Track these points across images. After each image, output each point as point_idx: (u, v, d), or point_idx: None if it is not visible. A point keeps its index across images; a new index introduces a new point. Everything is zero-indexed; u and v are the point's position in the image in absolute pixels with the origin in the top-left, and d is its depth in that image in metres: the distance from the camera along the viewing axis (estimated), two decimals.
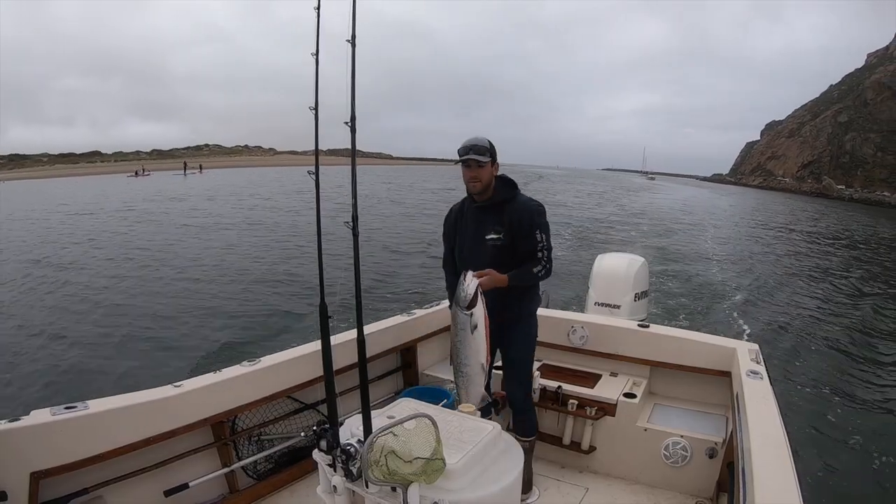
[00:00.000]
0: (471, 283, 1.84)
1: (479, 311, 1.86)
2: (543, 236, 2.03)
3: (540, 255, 2.02)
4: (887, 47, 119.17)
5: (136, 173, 55.02)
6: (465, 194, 2.18)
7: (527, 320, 2.18)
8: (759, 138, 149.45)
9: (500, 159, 2.08)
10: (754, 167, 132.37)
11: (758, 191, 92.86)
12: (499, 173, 2.10)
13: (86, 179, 53.57)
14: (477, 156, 1.95)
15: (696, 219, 25.60)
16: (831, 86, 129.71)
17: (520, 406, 2.23)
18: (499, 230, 2.04)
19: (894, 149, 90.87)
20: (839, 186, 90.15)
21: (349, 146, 1.39)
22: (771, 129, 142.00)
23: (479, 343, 1.88)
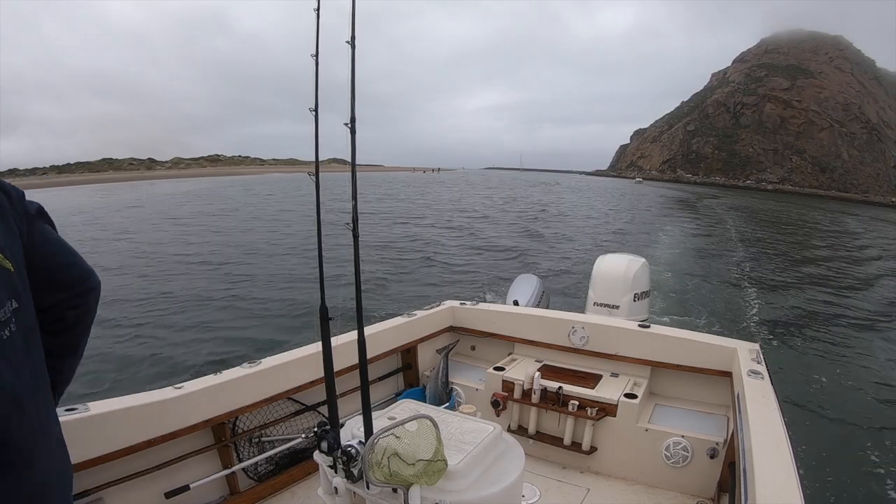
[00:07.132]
0: None
1: None
2: None
3: None
4: (725, 71, 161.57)
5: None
6: None
7: None
8: (629, 142, 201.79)
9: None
10: (628, 164, 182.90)
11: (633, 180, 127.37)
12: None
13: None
14: None
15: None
16: (683, 102, 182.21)
17: None
18: None
19: (726, 148, 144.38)
20: (688, 175, 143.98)
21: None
22: (638, 135, 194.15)
23: None
